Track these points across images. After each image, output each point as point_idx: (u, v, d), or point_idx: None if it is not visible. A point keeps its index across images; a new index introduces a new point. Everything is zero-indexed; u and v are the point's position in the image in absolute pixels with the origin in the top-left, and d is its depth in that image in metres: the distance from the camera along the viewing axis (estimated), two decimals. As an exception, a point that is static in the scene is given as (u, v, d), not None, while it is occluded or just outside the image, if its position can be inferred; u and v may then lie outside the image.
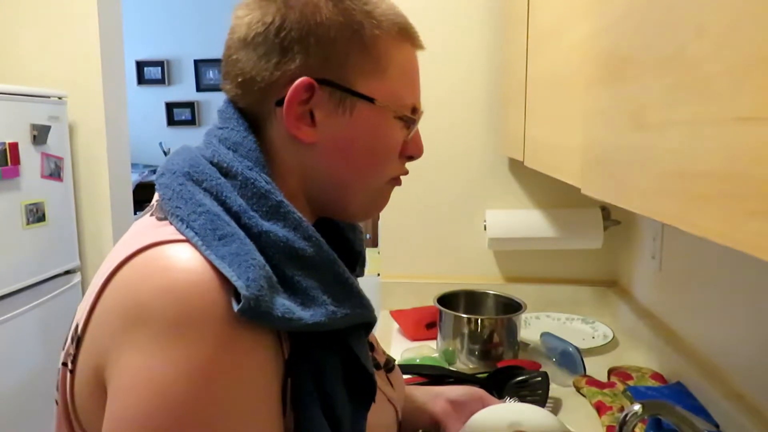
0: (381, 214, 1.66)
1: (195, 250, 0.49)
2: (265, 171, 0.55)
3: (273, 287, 0.49)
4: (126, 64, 2.60)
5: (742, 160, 0.29)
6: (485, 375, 1.12)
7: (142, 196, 3.02)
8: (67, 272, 2.29)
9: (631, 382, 1.12)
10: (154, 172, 2.05)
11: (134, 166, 3.77)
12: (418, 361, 1.25)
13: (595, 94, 0.58)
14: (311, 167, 0.59)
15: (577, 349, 1.21)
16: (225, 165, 0.55)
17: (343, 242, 0.69)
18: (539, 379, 1.07)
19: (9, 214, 1.95)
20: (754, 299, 0.90)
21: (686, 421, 0.71)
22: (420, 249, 1.65)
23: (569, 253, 1.61)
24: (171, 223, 0.52)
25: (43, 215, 2.11)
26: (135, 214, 2.69)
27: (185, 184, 0.53)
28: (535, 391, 1.06)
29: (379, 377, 0.70)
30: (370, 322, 0.59)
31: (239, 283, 0.46)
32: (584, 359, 1.20)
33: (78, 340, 0.51)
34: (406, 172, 0.66)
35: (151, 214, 0.56)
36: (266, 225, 0.52)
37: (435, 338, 1.35)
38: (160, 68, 4.83)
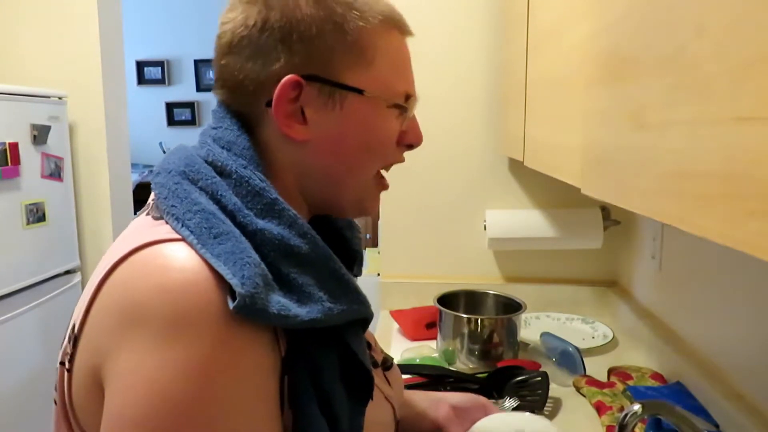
0: (381, 214, 1.66)
1: (191, 249, 0.49)
2: (259, 169, 0.56)
3: (268, 285, 0.49)
4: (126, 64, 2.60)
5: (742, 160, 0.29)
6: (485, 375, 1.12)
7: (142, 196, 3.01)
8: (67, 272, 2.29)
9: (630, 382, 1.12)
10: (154, 172, 2.04)
11: (134, 166, 3.77)
12: (418, 361, 1.25)
13: (595, 94, 0.58)
14: (306, 165, 0.59)
15: (577, 349, 1.21)
16: (219, 164, 0.55)
17: (341, 241, 0.69)
18: (539, 379, 1.07)
19: (9, 214, 1.95)
20: (754, 299, 0.90)
21: (686, 421, 0.71)
22: (420, 249, 1.65)
23: (569, 253, 1.61)
24: (167, 222, 0.52)
25: (43, 215, 2.11)
26: (135, 213, 2.69)
27: (181, 183, 0.54)
28: (535, 391, 1.06)
29: (377, 375, 0.70)
30: (366, 318, 0.59)
31: (234, 281, 0.46)
32: (584, 359, 1.20)
33: (75, 340, 0.51)
34: (402, 160, 0.66)
35: (147, 213, 0.56)
36: (261, 223, 0.52)
37: (435, 338, 1.35)
38: (160, 68, 4.83)
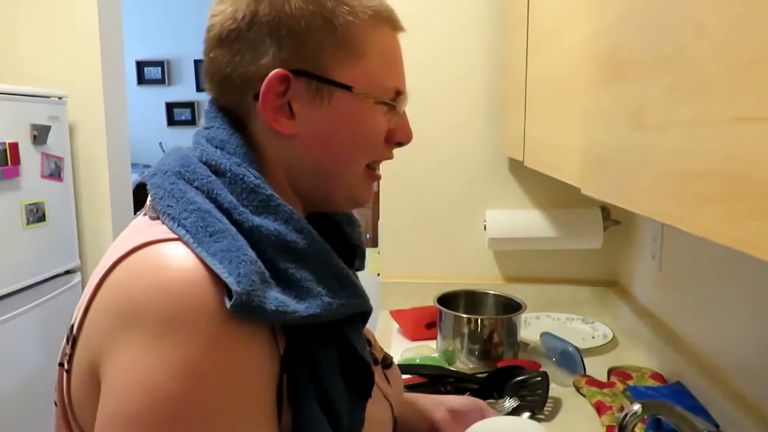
0: (381, 214, 1.66)
1: (187, 248, 0.49)
2: (253, 166, 0.56)
3: (265, 282, 0.49)
4: (126, 64, 2.60)
5: (742, 160, 0.29)
6: (485, 375, 1.12)
7: (142, 196, 3.00)
8: (67, 272, 2.29)
9: (630, 382, 1.12)
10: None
11: (134, 166, 3.76)
12: (418, 361, 1.25)
13: (595, 94, 0.58)
14: (295, 159, 0.59)
15: (577, 349, 1.21)
16: (214, 163, 0.55)
17: (341, 236, 0.69)
18: (539, 379, 1.07)
19: (9, 214, 1.95)
20: (754, 299, 0.90)
21: (686, 421, 0.71)
22: (420, 249, 1.65)
23: (569, 253, 1.61)
24: (163, 222, 0.52)
25: (43, 215, 2.11)
26: (135, 213, 2.69)
27: (176, 183, 0.54)
28: (535, 391, 1.06)
29: (376, 373, 0.70)
30: (366, 312, 0.59)
31: (230, 280, 0.46)
32: (584, 359, 1.20)
33: (73, 340, 0.51)
34: (390, 157, 0.65)
35: (145, 214, 0.56)
36: (257, 220, 0.52)
37: (435, 338, 1.35)
38: (160, 68, 4.83)
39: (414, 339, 1.42)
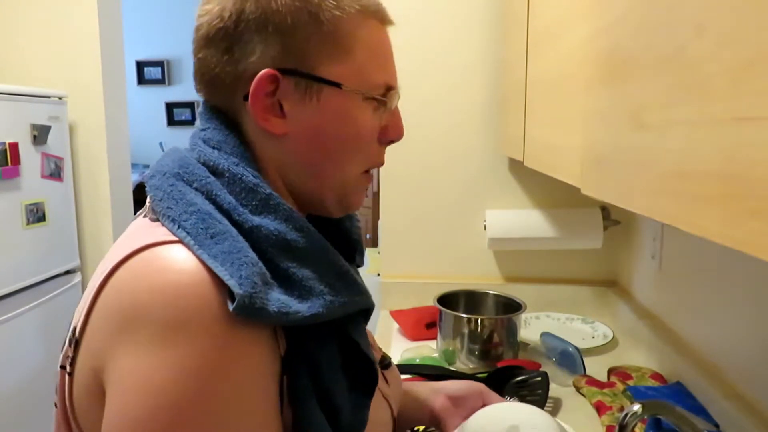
0: (381, 214, 1.66)
1: (188, 250, 0.49)
2: (251, 165, 0.55)
3: (267, 283, 0.49)
4: (126, 64, 2.60)
5: (742, 160, 0.29)
6: (485, 375, 1.12)
7: (142, 196, 3.00)
8: (67, 272, 2.29)
9: (630, 382, 1.12)
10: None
11: (134, 166, 3.77)
12: (418, 361, 1.25)
13: (595, 95, 0.58)
14: (287, 159, 0.58)
15: (576, 349, 1.21)
16: (212, 163, 0.55)
17: (340, 233, 0.69)
18: (539, 379, 1.07)
19: (9, 214, 1.95)
20: (754, 299, 0.90)
21: (686, 421, 0.71)
22: (420, 249, 1.65)
23: (569, 253, 1.61)
24: (163, 224, 0.52)
25: (43, 215, 2.11)
26: (135, 214, 2.69)
27: (176, 185, 0.53)
28: (535, 391, 1.06)
29: None
30: (368, 309, 0.59)
31: (232, 282, 0.46)
32: (584, 359, 1.20)
33: (76, 343, 0.51)
34: (382, 162, 0.64)
35: (145, 215, 0.56)
36: (257, 219, 0.52)
37: (435, 338, 1.35)
38: (160, 68, 4.83)
39: (414, 339, 1.42)
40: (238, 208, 0.52)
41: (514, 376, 1.07)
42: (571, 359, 1.20)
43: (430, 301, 1.35)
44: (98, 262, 0.55)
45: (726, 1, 0.31)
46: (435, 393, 0.85)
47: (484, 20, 1.56)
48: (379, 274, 1.70)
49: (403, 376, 1.13)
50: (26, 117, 2.03)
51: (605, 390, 1.10)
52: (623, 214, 1.53)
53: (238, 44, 0.55)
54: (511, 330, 1.26)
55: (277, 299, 0.48)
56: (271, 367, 0.50)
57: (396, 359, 1.27)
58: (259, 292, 0.47)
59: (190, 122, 4.86)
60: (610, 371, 1.20)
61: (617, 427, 0.74)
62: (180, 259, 0.48)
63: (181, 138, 4.70)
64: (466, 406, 0.83)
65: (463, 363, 1.26)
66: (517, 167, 1.59)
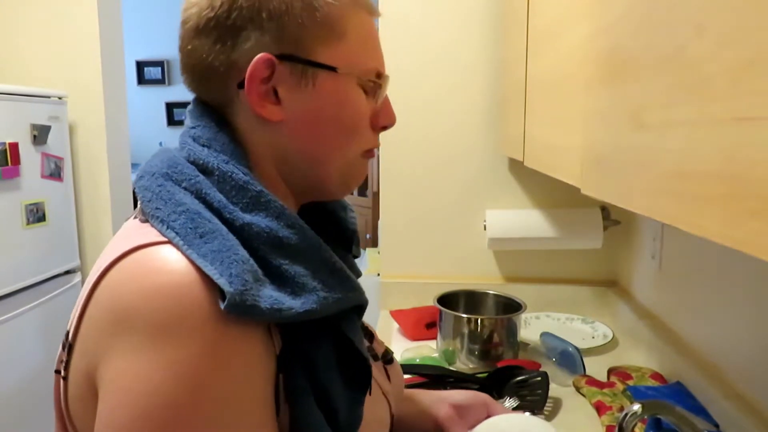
0: (381, 214, 1.66)
1: (177, 251, 0.49)
2: (242, 163, 0.55)
3: (259, 280, 0.49)
4: (126, 64, 2.60)
5: (742, 160, 0.29)
6: (485, 375, 1.12)
7: (142, 196, 3.01)
8: (67, 272, 2.29)
9: (630, 382, 1.12)
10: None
11: (134, 166, 3.76)
12: (418, 361, 1.25)
13: (594, 94, 0.58)
14: (283, 147, 0.58)
15: (576, 349, 1.21)
16: (201, 162, 0.55)
17: (336, 223, 0.69)
18: (539, 379, 1.07)
19: (9, 214, 1.95)
20: (754, 299, 0.90)
21: (686, 421, 0.71)
22: (420, 249, 1.65)
23: (569, 253, 1.61)
24: (152, 225, 0.52)
25: (43, 215, 2.11)
26: (135, 214, 2.69)
27: (164, 185, 0.53)
28: (535, 391, 1.06)
29: (377, 368, 0.69)
30: (362, 305, 0.59)
31: (222, 281, 0.46)
32: (584, 359, 1.20)
33: (69, 347, 0.51)
34: (377, 145, 0.65)
35: (135, 217, 0.56)
36: (248, 217, 0.52)
37: (435, 338, 1.35)
38: (160, 68, 4.83)
39: (414, 339, 1.42)
40: (228, 206, 0.52)
41: (514, 376, 1.07)
42: (571, 359, 1.20)
43: (430, 301, 1.35)
44: (97, 264, 0.55)
45: (726, 1, 0.31)
46: (439, 402, 0.85)
47: (484, 20, 1.56)
48: (379, 274, 1.70)
49: (404, 376, 1.13)
50: (26, 117, 2.03)
51: (605, 390, 1.10)
52: (623, 214, 1.53)
53: (231, 32, 0.55)
54: (511, 330, 1.26)
55: (270, 296, 0.48)
56: (266, 365, 0.49)
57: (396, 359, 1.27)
58: (250, 289, 0.47)
59: (190, 122, 4.86)
60: (610, 371, 1.20)
61: (617, 427, 0.74)
62: (169, 260, 0.48)
63: (181, 138, 4.70)
64: (470, 417, 0.83)
65: (463, 363, 1.26)
66: (517, 167, 1.59)
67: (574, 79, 0.69)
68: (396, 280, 1.65)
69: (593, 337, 1.41)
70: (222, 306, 0.46)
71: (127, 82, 2.62)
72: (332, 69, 0.57)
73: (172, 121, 4.89)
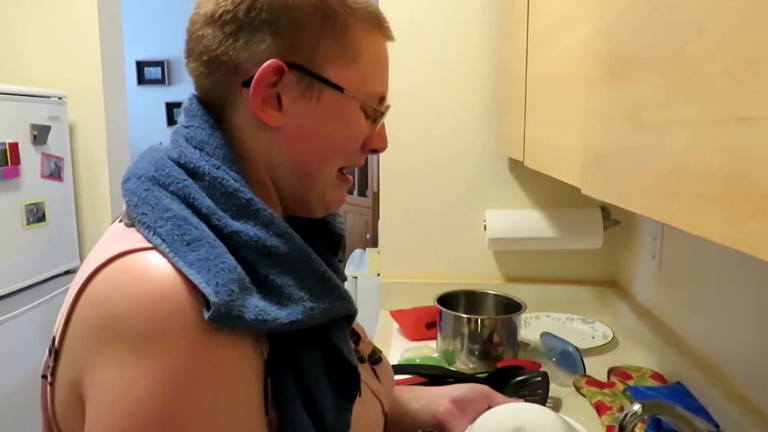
0: (381, 214, 1.66)
1: (163, 258, 0.48)
2: (233, 168, 0.55)
3: (245, 289, 0.48)
4: (126, 64, 2.60)
5: (743, 160, 0.29)
6: (485, 375, 1.12)
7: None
8: (67, 272, 2.29)
9: (631, 382, 1.12)
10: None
11: (134, 166, 3.77)
12: (418, 361, 1.25)
13: (595, 94, 0.58)
14: (275, 153, 0.58)
15: (577, 349, 1.21)
16: (192, 165, 0.54)
17: (323, 227, 0.68)
18: (539, 379, 1.07)
19: (9, 214, 1.95)
20: (754, 299, 0.90)
21: (686, 421, 0.71)
22: (420, 249, 1.65)
23: (569, 253, 1.61)
24: (138, 231, 0.51)
25: (43, 215, 2.11)
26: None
27: (151, 190, 0.52)
28: (535, 391, 1.06)
29: (365, 370, 0.69)
30: (350, 315, 0.59)
31: (208, 290, 0.45)
32: (584, 359, 1.20)
33: (56, 353, 0.50)
34: (360, 164, 0.65)
35: (121, 220, 0.55)
36: (237, 225, 0.51)
37: (435, 338, 1.35)
38: (160, 68, 4.83)
39: (414, 339, 1.42)
40: (218, 212, 0.51)
41: (514, 376, 1.07)
42: (571, 359, 1.20)
43: (430, 301, 1.35)
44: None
45: (726, 1, 0.31)
46: (438, 397, 0.85)
47: (484, 20, 1.56)
48: (379, 274, 1.70)
49: (404, 376, 1.13)
50: (26, 117, 2.03)
51: (605, 390, 1.10)
52: (623, 214, 1.53)
53: (246, 31, 0.54)
54: (511, 330, 1.26)
55: (255, 306, 0.48)
56: (254, 370, 0.49)
57: (396, 359, 1.27)
58: (236, 300, 0.46)
59: (190, 122, 4.86)
60: (610, 371, 1.20)
61: (617, 427, 0.73)
62: (155, 267, 0.47)
63: (181, 138, 4.69)
64: (471, 410, 0.83)
65: (463, 363, 1.26)
66: (517, 167, 1.59)
67: (574, 79, 0.69)
68: (396, 280, 1.65)
69: (593, 337, 1.41)
70: (206, 316, 0.45)
71: (127, 82, 2.62)
72: (339, 89, 0.57)
73: (172, 121, 4.89)
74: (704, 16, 0.33)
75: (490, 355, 1.24)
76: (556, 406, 1.09)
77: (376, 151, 0.64)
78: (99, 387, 0.46)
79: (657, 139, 0.41)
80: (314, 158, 0.59)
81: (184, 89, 4.84)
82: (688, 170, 0.35)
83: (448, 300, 1.35)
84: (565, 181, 0.74)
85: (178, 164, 0.54)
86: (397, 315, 1.49)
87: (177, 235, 0.49)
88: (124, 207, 0.56)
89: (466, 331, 1.25)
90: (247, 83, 0.55)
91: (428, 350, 1.30)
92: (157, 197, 0.52)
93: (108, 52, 2.36)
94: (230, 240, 0.50)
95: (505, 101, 1.43)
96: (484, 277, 1.64)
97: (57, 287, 2.21)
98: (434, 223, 1.64)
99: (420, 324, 1.44)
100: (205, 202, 0.52)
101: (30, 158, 2.04)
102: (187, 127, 0.58)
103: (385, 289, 1.66)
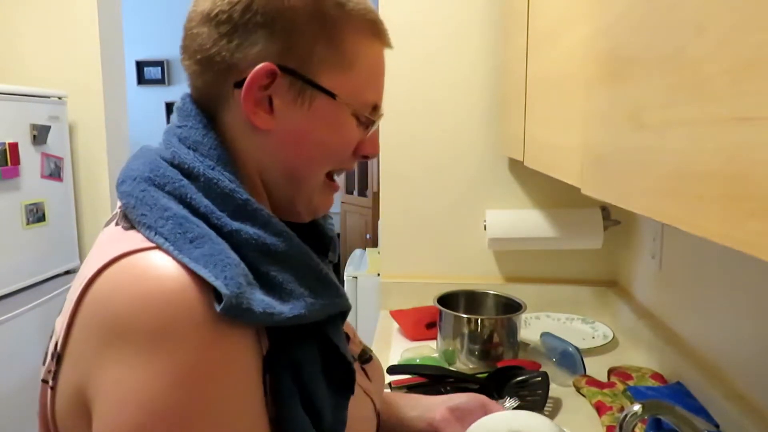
0: (381, 214, 1.66)
1: (167, 256, 0.48)
2: (227, 169, 0.54)
3: (251, 284, 0.49)
4: (126, 64, 2.60)
5: (743, 160, 0.29)
6: (485, 375, 1.12)
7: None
8: (67, 272, 2.29)
9: (631, 382, 1.12)
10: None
11: (134, 166, 3.77)
12: (418, 361, 1.25)
13: (595, 94, 0.58)
14: (265, 156, 0.58)
15: (577, 349, 1.21)
16: (186, 166, 0.54)
17: (313, 229, 0.68)
18: (539, 379, 1.07)
19: (9, 214, 1.95)
20: (754, 299, 0.90)
21: (686, 421, 0.71)
22: (420, 249, 1.65)
23: (569, 253, 1.61)
24: (139, 232, 0.51)
25: (43, 215, 2.11)
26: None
27: (147, 190, 0.52)
28: (535, 391, 1.06)
29: (356, 370, 0.69)
30: (345, 311, 0.59)
31: (218, 283, 0.46)
32: (584, 359, 1.20)
33: (58, 358, 0.50)
34: (350, 169, 0.65)
35: (116, 223, 0.54)
36: (235, 224, 0.51)
37: (435, 338, 1.35)
38: (160, 68, 4.83)
39: (414, 339, 1.42)
40: (216, 211, 0.51)
41: (514, 377, 1.07)
42: (571, 359, 1.20)
43: (430, 301, 1.35)
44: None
45: (726, 1, 0.31)
46: (435, 406, 0.85)
47: (484, 20, 1.56)
48: (379, 274, 1.70)
49: (404, 376, 1.13)
50: (26, 117, 2.03)
51: (605, 390, 1.10)
52: (623, 214, 1.53)
53: (240, 32, 0.54)
54: (511, 330, 1.26)
55: (261, 300, 0.48)
56: (255, 366, 0.49)
57: (396, 359, 1.27)
58: (245, 292, 0.47)
59: (190, 122, 4.86)
60: (610, 371, 1.20)
61: (617, 428, 0.73)
62: (159, 265, 0.47)
63: (181, 138, 4.69)
64: (468, 419, 0.83)
65: (463, 363, 1.26)
66: (517, 167, 1.59)
67: (574, 79, 0.69)
68: (396, 280, 1.65)
69: (593, 337, 1.41)
70: (218, 308, 0.45)
71: (127, 82, 2.62)
72: (332, 95, 0.56)
73: (172, 121, 4.89)
74: (704, 16, 0.33)
75: (490, 355, 1.24)
76: (557, 407, 1.09)
77: (367, 157, 0.64)
78: (108, 388, 0.45)
79: (657, 139, 0.41)
80: (303, 162, 0.59)
81: (184, 89, 4.79)
82: (688, 170, 0.35)
83: (448, 300, 1.35)
84: (565, 181, 0.74)
85: (172, 165, 0.54)
86: (397, 315, 1.49)
87: (179, 233, 0.49)
88: (117, 210, 0.56)
89: (466, 331, 1.25)
90: (239, 84, 0.55)
91: (428, 350, 1.30)
92: (155, 197, 0.52)
93: (108, 52, 2.36)
94: (230, 238, 0.50)
95: (505, 101, 1.43)
96: (484, 277, 1.64)
97: (57, 287, 2.21)
98: (434, 223, 1.64)
99: (420, 324, 1.44)
100: (203, 202, 0.52)
101: (30, 158, 2.04)
102: (180, 126, 0.58)
103: (385, 289, 1.66)
